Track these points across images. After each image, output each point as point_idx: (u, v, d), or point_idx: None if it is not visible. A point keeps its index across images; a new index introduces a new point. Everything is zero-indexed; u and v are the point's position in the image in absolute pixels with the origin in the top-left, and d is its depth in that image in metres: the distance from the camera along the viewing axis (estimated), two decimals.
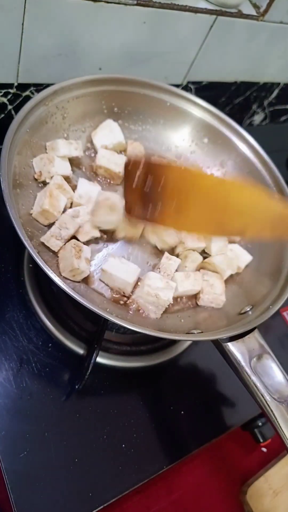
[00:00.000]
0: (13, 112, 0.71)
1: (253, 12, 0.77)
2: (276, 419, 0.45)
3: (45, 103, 0.57)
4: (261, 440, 0.69)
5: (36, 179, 0.57)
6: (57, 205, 0.53)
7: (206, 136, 0.71)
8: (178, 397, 0.62)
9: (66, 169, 0.58)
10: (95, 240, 0.56)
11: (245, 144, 0.68)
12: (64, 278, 0.51)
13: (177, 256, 0.60)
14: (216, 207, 0.49)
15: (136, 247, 0.59)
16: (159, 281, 0.53)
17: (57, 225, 0.52)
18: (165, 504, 0.65)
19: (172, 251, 0.59)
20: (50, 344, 0.59)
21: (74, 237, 0.54)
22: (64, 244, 0.52)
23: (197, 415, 0.62)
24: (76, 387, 0.56)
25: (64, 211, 0.55)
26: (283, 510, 0.68)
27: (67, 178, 0.58)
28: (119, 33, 0.66)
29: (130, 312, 0.53)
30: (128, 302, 0.54)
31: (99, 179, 0.64)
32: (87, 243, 0.55)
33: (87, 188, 0.58)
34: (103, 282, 0.54)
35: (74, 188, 0.58)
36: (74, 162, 0.61)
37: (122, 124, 0.68)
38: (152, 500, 0.64)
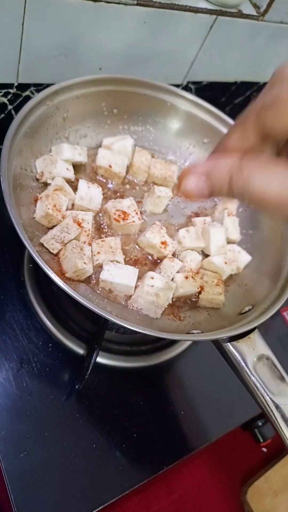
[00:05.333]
0: (13, 112, 0.71)
1: (253, 12, 0.77)
2: (276, 419, 0.45)
3: (45, 103, 0.57)
4: (261, 440, 0.69)
5: (37, 179, 0.57)
6: (60, 208, 0.54)
7: (206, 136, 0.71)
8: (178, 397, 0.62)
9: (69, 172, 0.58)
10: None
11: None
12: (67, 279, 0.51)
13: (177, 256, 0.60)
14: None
15: (134, 248, 0.59)
16: (159, 281, 0.53)
17: (59, 228, 0.52)
18: (165, 504, 0.65)
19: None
20: (50, 344, 0.59)
21: None
22: (64, 246, 0.52)
23: (197, 415, 0.62)
24: (76, 387, 0.56)
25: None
26: (283, 510, 0.68)
27: (68, 179, 0.58)
28: (119, 33, 0.66)
29: (130, 312, 0.53)
30: (128, 302, 0.54)
31: (99, 177, 0.64)
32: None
33: (88, 190, 0.58)
34: (105, 290, 0.53)
35: (74, 188, 0.58)
36: (76, 163, 0.61)
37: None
38: (152, 500, 0.64)
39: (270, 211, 0.26)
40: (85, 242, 0.54)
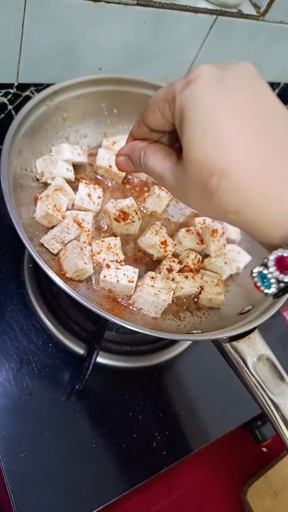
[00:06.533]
0: (13, 112, 0.71)
1: (253, 12, 0.77)
2: (276, 419, 0.45)
3: (45, 103, 0.57)
4: (261, 440, 0.69)
5: (37, 179, 0.57)
6: (60, 208, 0.54)
7: None
8: (178, 397, 0.62)
9: (69, 172, 0.58)
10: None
11: None
12: (67, 279, 0.51)
13: (177, 256, 0.60)
14: None
15: (134, 248, 0.59)
16: (159, 281, 0.53)
17: (59, 228, 0.52)
18: (165, 504, 0.65)
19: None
20: (50, 344, 0.59)
21: None
22: (64, 247, 0.52)
23: (197, 415, 0.62)
24: (76, 387, 0.56)
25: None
26: (283, 510, 0.68)
27: (68, 179, 0.58)
28: (119, 33, 0.66)
29: (130, 312, 0.53)
30: (128, 302, 0.54)
31: (99, 177, 0.64)
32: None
33: (88, 190, 0.58)
34: (105, 290, 0.53)
35: (74, 188, 0.58)
36: (76, 163, 0.61)
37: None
38: (152, 500, 0.64)
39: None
40: (85, 242, 0.54)
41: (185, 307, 0.57)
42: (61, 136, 0.62)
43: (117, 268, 0.52)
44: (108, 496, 0.51)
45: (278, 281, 0.31)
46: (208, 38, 0.76)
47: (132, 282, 0.52)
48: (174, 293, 0.55)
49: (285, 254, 0.30)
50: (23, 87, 0.68)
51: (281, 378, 0.47)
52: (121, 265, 0.53)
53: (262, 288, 0.32)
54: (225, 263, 0.60)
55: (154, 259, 0.59)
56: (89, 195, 0.58)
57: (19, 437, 0.51)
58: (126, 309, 0.53)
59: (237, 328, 0.48)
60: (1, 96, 0.67)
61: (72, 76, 0.60)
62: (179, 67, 0.80)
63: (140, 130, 0.39)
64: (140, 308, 0.53)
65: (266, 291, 0.32)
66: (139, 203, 0.64)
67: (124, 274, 0.52)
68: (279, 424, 0.45)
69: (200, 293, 0.57)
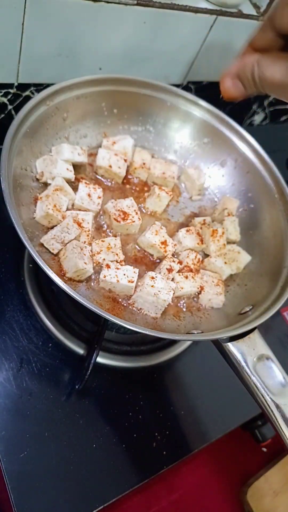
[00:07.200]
0: (13, 112, 0.71)
1: (253, 12, 0.77)
2: (276, 419, 0.45)
3: (45, 103, 0.57)
4: (261, 440, 0.69)
5: (37, 179, 0.57)
6: (60, 208, 0.54)
7: (206, 136, 0.71)
8: (178, 397, 0.62)
9: (69, 172, 0.58)
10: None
11: (245, 144, 0.68)
12: (67, 279, 0.51)
13: (177, 256, 0.60)
14: None
15: (134, 247, 0.59)
16: (159, 281, 0.53)
17: (59, 228, 0.52)
18: (165, 504, 0.65)
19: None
20: (50, 344, 0.59)
21: None
22: (64, 247, 0.52)
23: (197, 415, 0.62)
24: (76, 387, 0.56)
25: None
26: (283, 510, 0.68)
27: (68, 179, 0.58)
28: (119, 33, 0.66)
29: (130, 312, 0.53)
30: (128, 302, 0.54)
31: (99, 177, 0.64)
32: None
33: (88, 190, 0.58)
34: (105, 290, 0.53)
35: (74, 188, 0.58)
36: (76, 163, 0.61)
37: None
38: (152, 500, 0.65)
39: (277, 93, 0.34)
40: (85, 242, 0.54)
41: (185, 307, 0.57)
42: (61, 136, 0.62)
43: (117, 268, 0.52)
44: (108, 496, 0.51)
45: None
46: (208, 38, 0.76)
47: (132, 282, 0.52)
48: (174, 293, 0.55)
49: None
50: (23, 87, 0.68)
51: (281, 378, 0.47)
52: (121, 265, 0.53)
53: None
54: (225, 263, 0.60)
55: (154, 259, 0.59)
56: (89, 195, 0.58)
57: (19, 437, 0.51)
58: (126, 309, 0.53)
59: (237, 328, 0.48)
60: (1, 96, 0.67)
61: (72, 76, 0.60)
62: (179, 67, 0.80)
63: (264, 35, 0.35)
64: (140, 308, 0.53)
65: None
66: (139, 203, 0.64)
67: (124, 274, 0.52)
68: (279, 424, 0.45)
69: (200, 293, 0.57)
